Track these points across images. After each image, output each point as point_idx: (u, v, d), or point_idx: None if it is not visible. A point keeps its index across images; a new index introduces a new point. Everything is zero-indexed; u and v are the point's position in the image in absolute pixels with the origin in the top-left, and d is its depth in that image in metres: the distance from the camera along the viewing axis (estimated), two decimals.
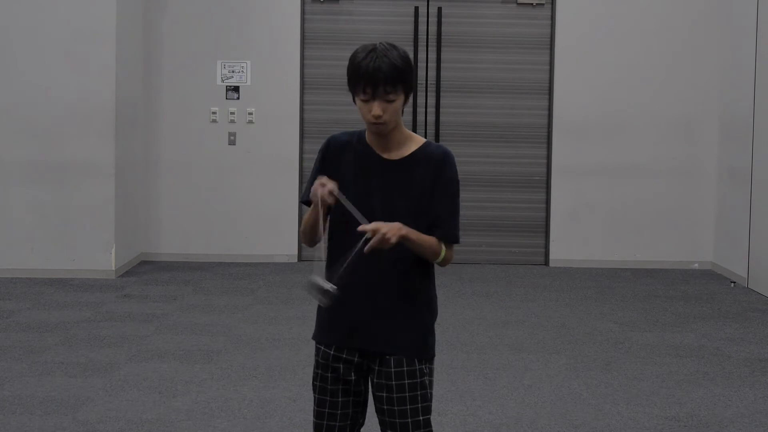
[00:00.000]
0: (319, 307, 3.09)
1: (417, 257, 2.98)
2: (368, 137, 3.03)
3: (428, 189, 2.98)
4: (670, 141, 9.48)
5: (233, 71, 9.35)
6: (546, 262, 9.56)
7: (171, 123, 9.38)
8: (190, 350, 6.14)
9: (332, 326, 3.03)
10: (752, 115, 8.54)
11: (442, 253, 2.98)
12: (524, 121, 9.55)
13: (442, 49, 9.45)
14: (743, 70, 8.76)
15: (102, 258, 8.42)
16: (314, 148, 9.38)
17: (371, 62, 2.86)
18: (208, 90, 9.36)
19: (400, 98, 2.92)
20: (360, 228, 2.81)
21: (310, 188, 2.96)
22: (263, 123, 9.40)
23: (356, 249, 2.83)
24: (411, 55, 9.35)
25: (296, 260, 9.42)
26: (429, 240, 2.95)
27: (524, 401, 5.23)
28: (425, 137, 3.13)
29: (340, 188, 2.89)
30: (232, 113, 9.36)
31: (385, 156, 3.00)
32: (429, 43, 9.46)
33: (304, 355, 6.07)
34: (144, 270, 8.92)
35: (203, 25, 9.35)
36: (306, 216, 2.99)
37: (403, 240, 2.85)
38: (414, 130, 9.20)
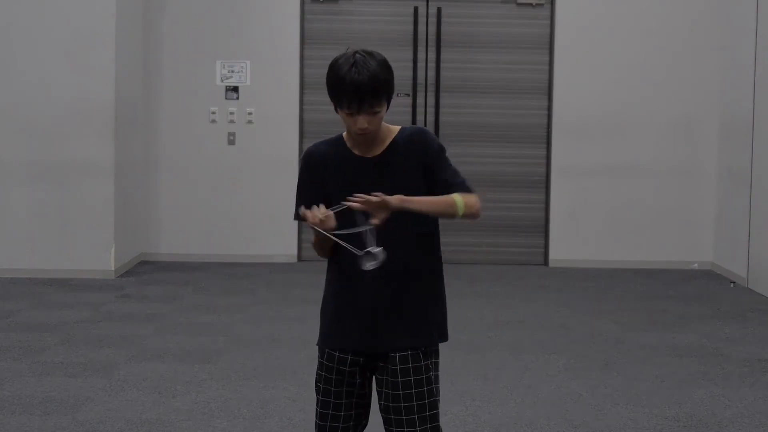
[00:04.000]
0: (322, 311, 3.09)
1: (424, 252, 2.97)
2: (348, 140, 3.02)
3: (417, 171, 2.95)
4: (670, 141, 9.48)
5: (233, 71, 9.35)
6: (546, 262, 9.56)
7: (170, 123, 9.38)
8: (190, 350, 6.14)
9: (338, 329, 3.01)
10: (752, 115, 8.54)
11: (459, 202, 2.89)
12: (524, 121, 9.55)
13: (442, 49, 9.45)
14: (743, 70, 8.76)
15: (101, 258, 8.42)
16: None
17: (355, 76, 2.82)
18: (208, 90, 9.36)
19: (384, 107, 2.91)
20: (351, 203, 2.76)
21: (299, 206, 2.96)
22: (263, 123, 9.40)
23: (364, 228, 2.81)
24: (410, 56, 9.40)
25: (296, 260, 9.42)
26: (437, 198, 2.90)
27: (524, 401, 5.22)
28: None
29: (330, 197, 2.91)
30: (232, 113, 9.36)
31: (367, 155, 2.99)
32: (428, 44, 9.46)
33: (304, 355, 6.07)
34: (144, 270, 8.92)
35: (203, 25, 9.35)
36: (314, 239, 3.01)
37: (404, 203, 2.80)
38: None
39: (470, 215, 2.93)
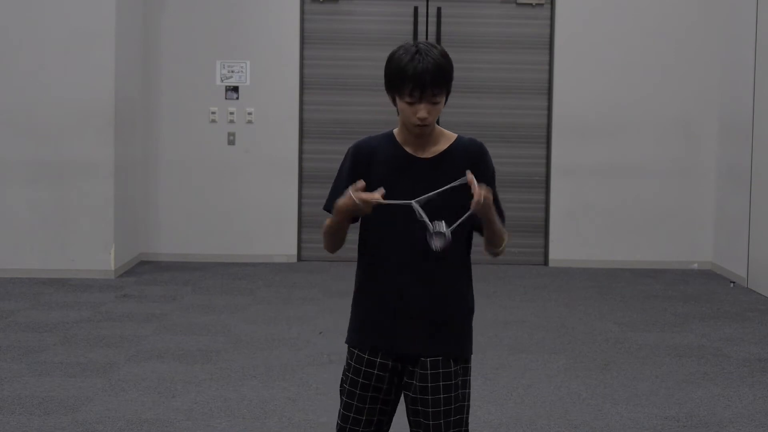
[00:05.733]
0: (353, 311, 3.05)
1: (462, 248, 2.94)
2: (399, 137, 2.97)
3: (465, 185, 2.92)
4: (669, 141, 9.48)
5: (232, 71, 9.35)
6: (545, 262, 9.56)
7: (170, 123, 9.37)
8: (190, 350, 6.14)
9: (368, 329, 2.98)
10: (752, 115, 8.53)
11: (505, 244, 2.99)
12: (524, 121, 9.55)
13: None
14: (743, 70, 8.75)
15: (101, 258, 8.42)
16: (314, 148, 9.40)
17: (419, 64, 2.81)
18: (208, 90, 9.36)
19: (444, 99, 2.89)
20: (473, 185, 2.74)
21: (334, 198, 2.92)
22: (262, 123, 9.39)
23: (466, 213, 2.79)
24: None
25: (296, 260, 9.41)
26: (500, 225, 2.93)
27: (524, 401, 5.22)
28: None
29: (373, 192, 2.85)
30: (232, 113, 9.36)
31: (419, 155, 2.95)
32: None
33: (304, 355, 6.07)
34: (143, 270, 8.92)
35: (203, 25, 9.34)
36: (328, 222, 2.94)
37: (489, 205, 2.79)
38: None
39: (498, 254, 3.04)
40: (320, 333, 6.64)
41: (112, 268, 8.46)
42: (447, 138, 3.00)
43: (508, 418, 4.95)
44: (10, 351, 6.06)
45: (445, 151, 2.97)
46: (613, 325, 7.04)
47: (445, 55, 2.87)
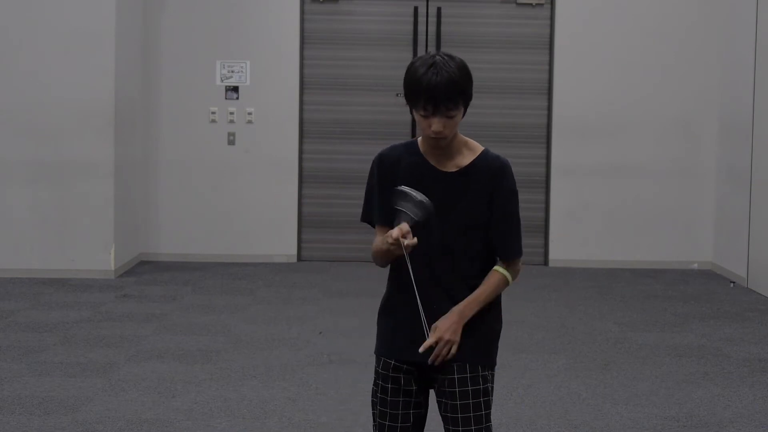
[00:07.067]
0: (381, 320, 3.05)
1: (483, 266, 2.94)
2: (423, 147, 2.96)
3: (485, 202, 2.93)
4: (669, 141, 9.48)
5: (232, 71, 9.35)
6: (545, 262, 9.56)
7: (170, 123, 9.37)
8: (190, 350, 6.14)
9: (396, 338, 2.97)
10: (752, 115, 8.53)
11: (509, 277, 2.95)
12: (524, 121, 9.55)
13: (442, 49, 9.44)
14: (743, 70, 8.75)
15: (101, 258, 8.42)
16: (314, 148, 9.40)
17: (432, 77, 2.78)
18: (208, 90, 9.36)
19: (461, 111, 2.86)
20: (422, 350, 2.85)
21: (369, 209, 2.98)
22: (262, 123, 9.39)
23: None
24: (410, 56, 9.38)
25: (296, 260, 9.41)
26: (490, 287, 2.92)
27: (523, 401, 5.22)
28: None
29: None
30: (232, 113, 9.36)
31: (441, 168, 2.94)
32: (428, 44, 9.46)
33: (304, 354, 6.07)
34: (143, 270, 8.92)
35: (203, 25, 9.34)
36: (378, 243, 2.90)
37: (462, 323, 2.87)
38: (414, 131, 9.19)
39: (514, 280, 3.01)
40: (320, 333, 6.65)
41: (112, 268, 8.46)
42: (471, 150, 2.98)
43: (508, 418, 4.95)
44: (10, 351, 6.06)
45: (469, 165, 2.95)
46: (613, 325, 7.04)
47: (462, 68, 2.83)
